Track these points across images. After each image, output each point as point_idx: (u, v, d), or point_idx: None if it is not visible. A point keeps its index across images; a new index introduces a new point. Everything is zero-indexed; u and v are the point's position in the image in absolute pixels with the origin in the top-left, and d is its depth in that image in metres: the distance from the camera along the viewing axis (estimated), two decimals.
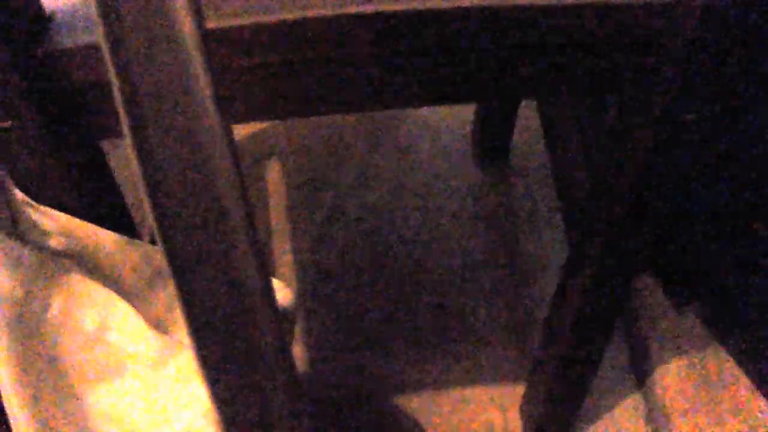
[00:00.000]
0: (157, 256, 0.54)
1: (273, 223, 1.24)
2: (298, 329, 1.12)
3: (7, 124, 0.48)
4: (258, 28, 0.48)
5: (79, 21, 0.49)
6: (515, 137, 1.29)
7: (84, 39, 0.48)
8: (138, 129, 0.30)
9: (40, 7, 0.49)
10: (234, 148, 0.31)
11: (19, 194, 0.48)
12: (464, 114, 1.34)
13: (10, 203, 0.46)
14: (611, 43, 0.53)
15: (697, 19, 0.50)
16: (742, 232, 0.92)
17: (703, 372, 1.00)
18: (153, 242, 0.52)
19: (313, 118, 1.36)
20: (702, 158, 0.87)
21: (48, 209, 0.50)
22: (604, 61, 0.54)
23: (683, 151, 0.59)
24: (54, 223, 0.50)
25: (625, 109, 0.60)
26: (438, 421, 1.05)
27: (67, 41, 0.48)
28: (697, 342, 1.02)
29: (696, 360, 1.01)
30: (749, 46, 0.56)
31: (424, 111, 1.36)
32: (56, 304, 0.48)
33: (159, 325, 0.52)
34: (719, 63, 0.52)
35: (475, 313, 1.14)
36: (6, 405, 0.48)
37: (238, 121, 0.55)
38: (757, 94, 0.79)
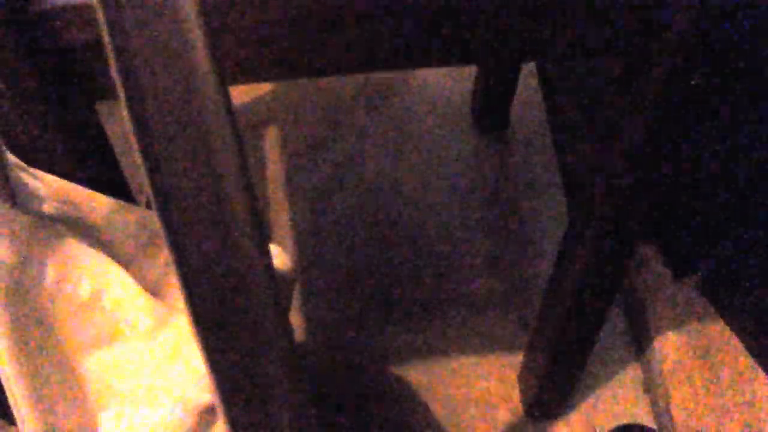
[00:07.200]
0: (153, 221, 0.53)
1: (271, 189, 1.23)
2: (295, 296, 1.12)
3: (1, 86, 0.48)
4: None
5: None
6: (515, 104, 1.28)
7: None
8: (132, 90, 0.30)
9: None
10: (231, 110, 0.31)
11: (12, 158, 0.47)
12: (464, 81, 1.33)
13: (3, 168, 0.46)
14: (617, 4, 0.52)
15: None
16: (743, 203, 0.91)
17: (702, 343, 1.00)
18: (149, 207, 0.51)
19: (311, 85, 1.35)
20: (706, 124, 0.87)
21: (42, 173, 0.49)
22: (609, 22, 0.53)
23: (687, 116, 0.59)
24: (48, 187, 0.49)
25: (631, 73, 0.59)
26: (436, 389, 1.06)
27: (60, 0, 0.47)
28: (697, 313, 1.02)
29: (695, 331, 1.01)
30: (755, 12, 0.55)
31: (424, 78, 1.35)
32: (51, 270, 0.48)
33: (154, 291, 0.52)
34: (727, 26, 0.52)
35: (474, 282, 1.14)
36: (2, 373, 0.48)
37: (235, 83, 0.54)
38: (763, 60, 0.78)
